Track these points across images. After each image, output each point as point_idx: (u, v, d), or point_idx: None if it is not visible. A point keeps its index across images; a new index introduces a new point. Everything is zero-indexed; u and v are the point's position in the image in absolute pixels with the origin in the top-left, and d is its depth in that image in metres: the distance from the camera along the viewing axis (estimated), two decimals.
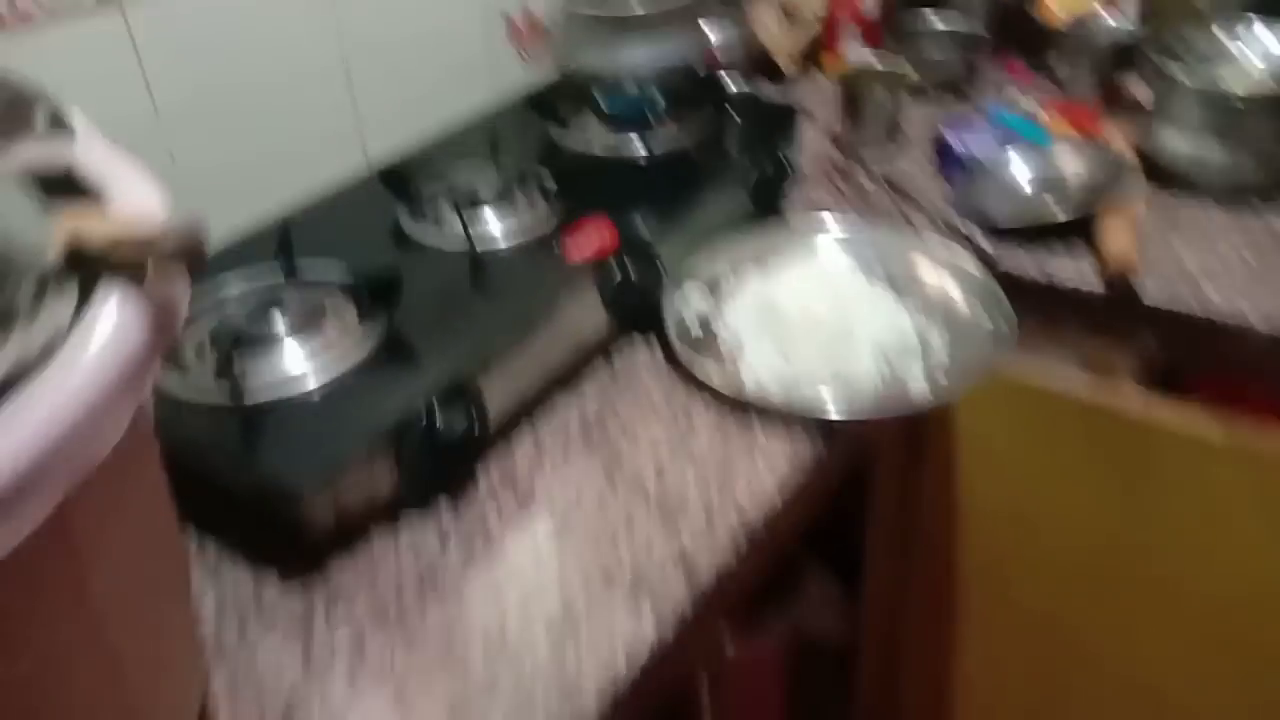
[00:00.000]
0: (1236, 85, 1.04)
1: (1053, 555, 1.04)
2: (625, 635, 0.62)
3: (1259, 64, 1.09)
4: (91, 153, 0.47)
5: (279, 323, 0.75)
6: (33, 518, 0.34)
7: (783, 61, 1.35)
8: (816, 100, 1.29)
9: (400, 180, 0.93)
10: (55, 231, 0.36)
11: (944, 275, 0.93)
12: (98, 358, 0.35)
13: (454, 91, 1.12)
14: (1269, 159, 1.02)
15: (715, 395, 0.81)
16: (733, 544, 0.68)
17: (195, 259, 0.36)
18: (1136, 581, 1.00)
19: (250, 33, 0.93)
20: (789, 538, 0.76)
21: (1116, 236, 0.95)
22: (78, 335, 0.35)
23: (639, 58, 1.05)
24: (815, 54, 1.39)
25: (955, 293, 0.91)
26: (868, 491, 1.11)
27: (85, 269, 0.36)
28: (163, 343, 0.37)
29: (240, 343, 0.72)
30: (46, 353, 0.34)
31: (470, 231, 0.86)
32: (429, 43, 1.09)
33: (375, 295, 0.77)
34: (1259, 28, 1.11)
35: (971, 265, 0.93)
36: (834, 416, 0.77)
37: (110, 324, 0.36)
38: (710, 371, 0.82)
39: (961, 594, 1.14)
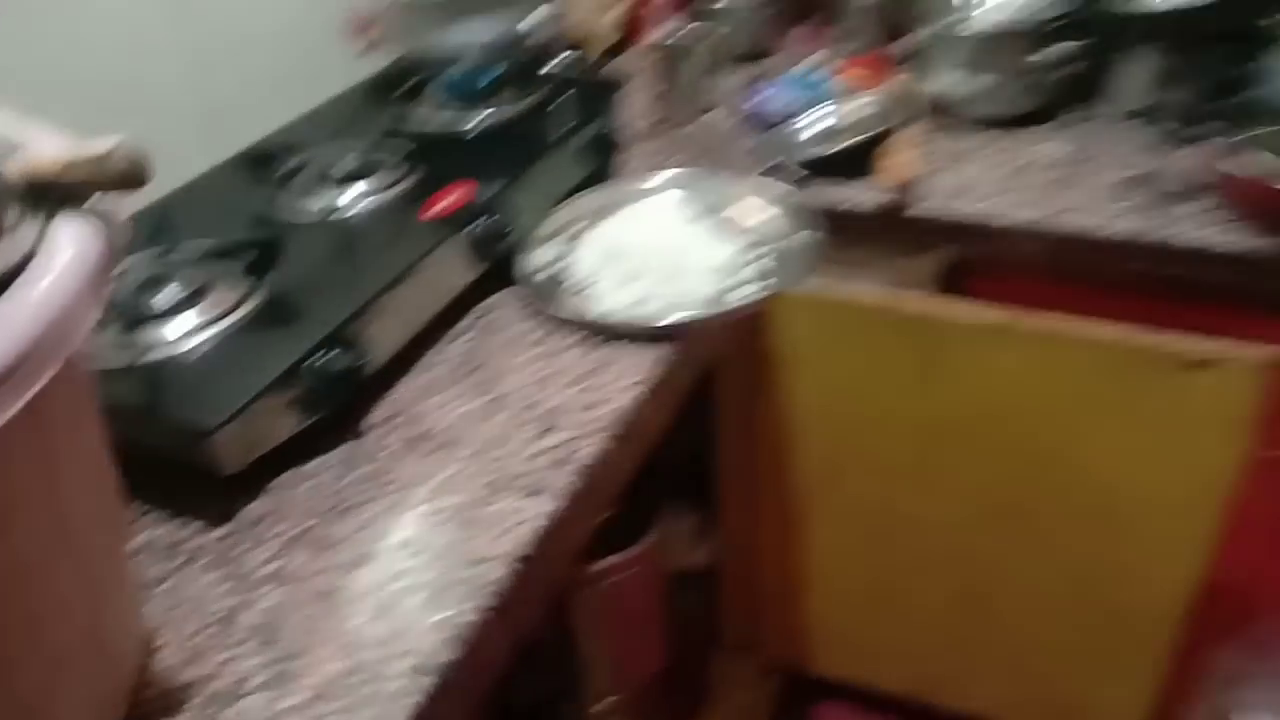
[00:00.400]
0: (988, 25, 1.22)
1: (879, 450, 1.19)
2: (525, 516, 0.72)
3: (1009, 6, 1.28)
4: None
5: (170, 293, 0.81)
6: (25, 391, 0.41)
7: (604, 36, 1.47)
8: (639, 68, 1.41)
9: (263, 161, 0.99)
10: (10, 166, 0.43)
11: (760, 209, 1.06)
12: (69, 263, 0.42)
13: (304, 81, 1.19)
14: (1025, 86, 1.21)
15: (575, 326, 0.91)
16: (609, 433, 0.79)
17: (140, 174, 0.43)
18: (948, 464, 1.16)
19: (104, 29, 0.97)
20: (654, 432, 0.88)
21: (900, 165, 1.11)
22: (49, 245, 0.42)
23: (471, 37, 1.14)
24: (635, 27, 1.52)
25: (771, 223, 1.04)
26: (714, 422, 1.24)
27: (45, 193, 0.42)
28: (116, 254, 0.45)
29: (137, 312, 0.78)
30: (26, 260, 0.41)
31: (334, 203, 0.93)
32: (277, 39, 1.16)
33: (256, 262, 0.84)
34: None
35: (783, 199, 1.06)
36: (676, 324, 0.89)
37: (74, 237, 0.43)
38: (567, 307, 0.92)
39: (806, 501, 1.28)
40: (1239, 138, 1.07)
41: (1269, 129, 1.07)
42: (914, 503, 1.21)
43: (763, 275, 0.96)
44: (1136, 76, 1.19)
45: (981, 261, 1.12)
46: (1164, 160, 1.12)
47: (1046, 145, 1.18)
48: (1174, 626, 1.14)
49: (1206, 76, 1.15)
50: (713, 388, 1.19)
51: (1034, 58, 1.19)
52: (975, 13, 1.21)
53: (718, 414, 1.23)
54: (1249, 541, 1.09)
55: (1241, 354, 0.98)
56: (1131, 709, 1.22)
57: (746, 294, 0.93)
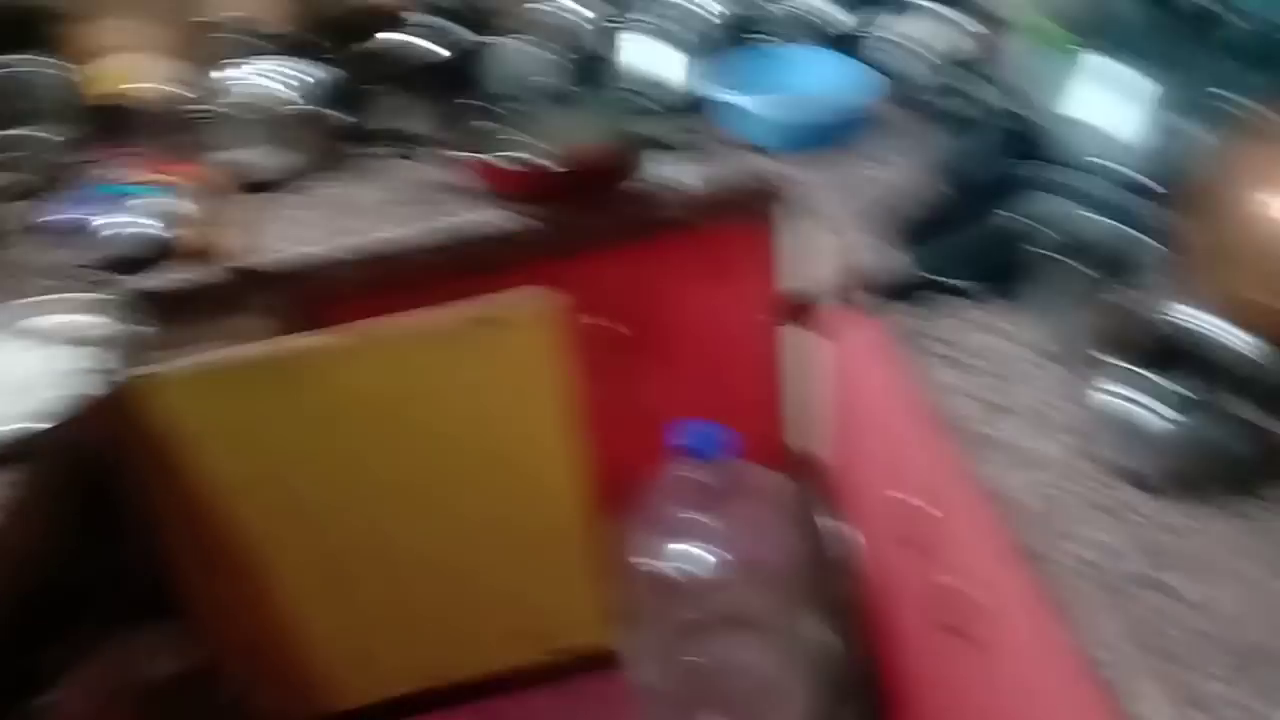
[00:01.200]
0: (270, 104, 1.37)
1: (299, 484, 1.28)
2: None
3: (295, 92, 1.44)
4: None
5: None
6: None
7: None
8: None
9: None
10: None
11: (79, 314, 1.11)
12: None
13: None
14: (310, 154, 1.40)
15: None
16: None
17: None
18: (359, 474, 1.30)
19: None
20: (32, 549, 0.89)
21: (213, 238, 1.22)
22: None
23: None
24: None
25: (92, 325, 1.09)
26: (142, 527, 1.25)
27: None
28: None
29: None
30: None
31: None
32: None
33: None
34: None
35: (100, 303, 1.12)
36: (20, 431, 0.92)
37: None
38: None
39: (263, 558, 1.34)
40: (479, 141, 1.34)
41: (492, 133, 1.36)
42: (347, 519, 1.32)
43: (97, 371, 1.01)
44: (394, 117, 1.43)
45: (320, 294, 1.26)
46: (424, 172, 1.37)
47: (333, 189, 1.37)
48: (585, 520, 1.39)
49: (443, 105, 1.42)
50: (122, 497, 1.20)
51: (289, 124, 1.38)
52: (234, 96, 1.37)
53: (140, 518, 1.24)
54: (611, 431, 1.35)
55: (530, 300, 1.23)
56: (587, 598, 1.46)
57: (79, 392, 0.98)
